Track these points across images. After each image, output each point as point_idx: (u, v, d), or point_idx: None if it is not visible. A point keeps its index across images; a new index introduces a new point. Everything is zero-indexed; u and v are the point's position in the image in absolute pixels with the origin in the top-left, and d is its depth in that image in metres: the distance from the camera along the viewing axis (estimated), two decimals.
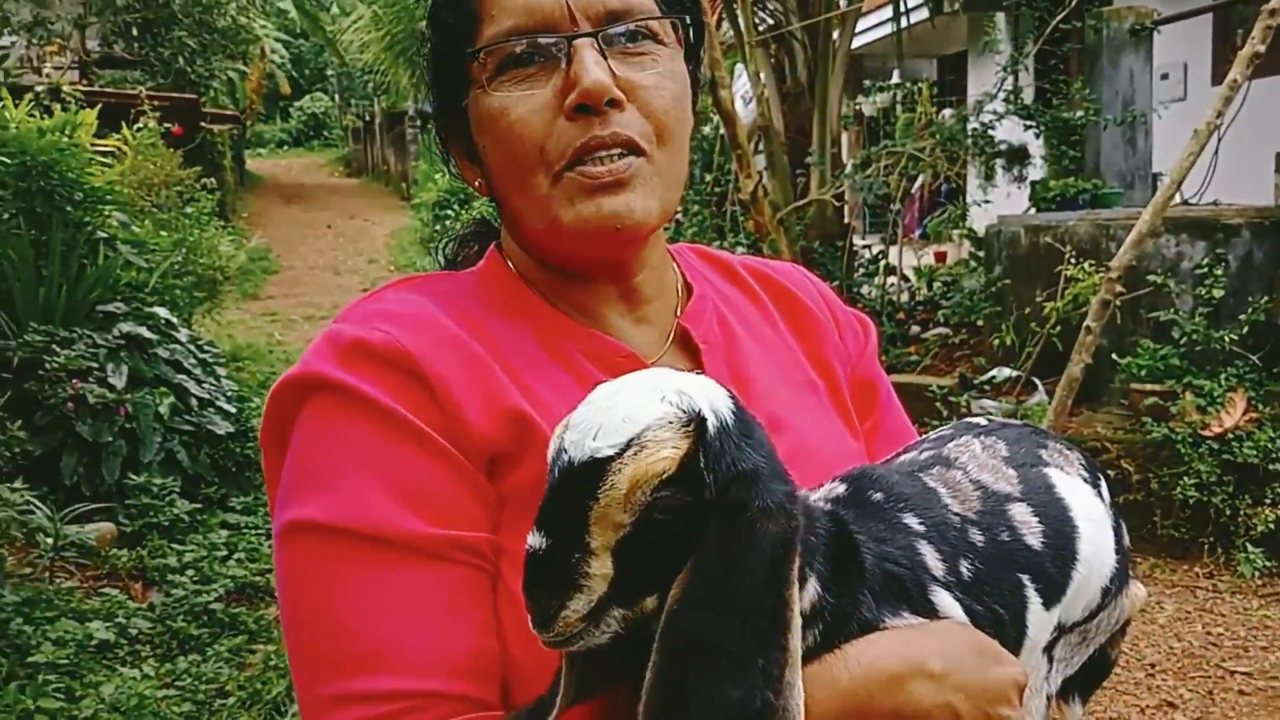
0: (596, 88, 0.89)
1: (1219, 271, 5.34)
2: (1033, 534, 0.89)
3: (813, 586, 0.78)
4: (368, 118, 27.66)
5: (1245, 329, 5.16)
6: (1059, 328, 5.64)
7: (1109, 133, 7.07)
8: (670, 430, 0.69)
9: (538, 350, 0.94)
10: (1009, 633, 0.85)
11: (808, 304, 1.15)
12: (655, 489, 0.68)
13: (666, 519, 0.69)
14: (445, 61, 0.97)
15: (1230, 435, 4.93)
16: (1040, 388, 5.86)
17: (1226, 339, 5.16)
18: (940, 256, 10.09)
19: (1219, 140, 7.08)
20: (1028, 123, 7.53)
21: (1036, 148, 7.90)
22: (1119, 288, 4.02)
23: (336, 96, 33.88)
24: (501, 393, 0.88)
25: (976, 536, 0.87)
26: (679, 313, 1.05)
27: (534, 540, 0.70)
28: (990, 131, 7.56)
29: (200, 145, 14.15)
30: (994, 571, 0.86)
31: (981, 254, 7.39)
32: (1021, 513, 0.90)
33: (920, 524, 0.85)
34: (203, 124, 15.15)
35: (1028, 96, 8.27)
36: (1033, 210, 7.12)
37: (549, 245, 0.97)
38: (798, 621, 0.71)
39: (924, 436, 1.04)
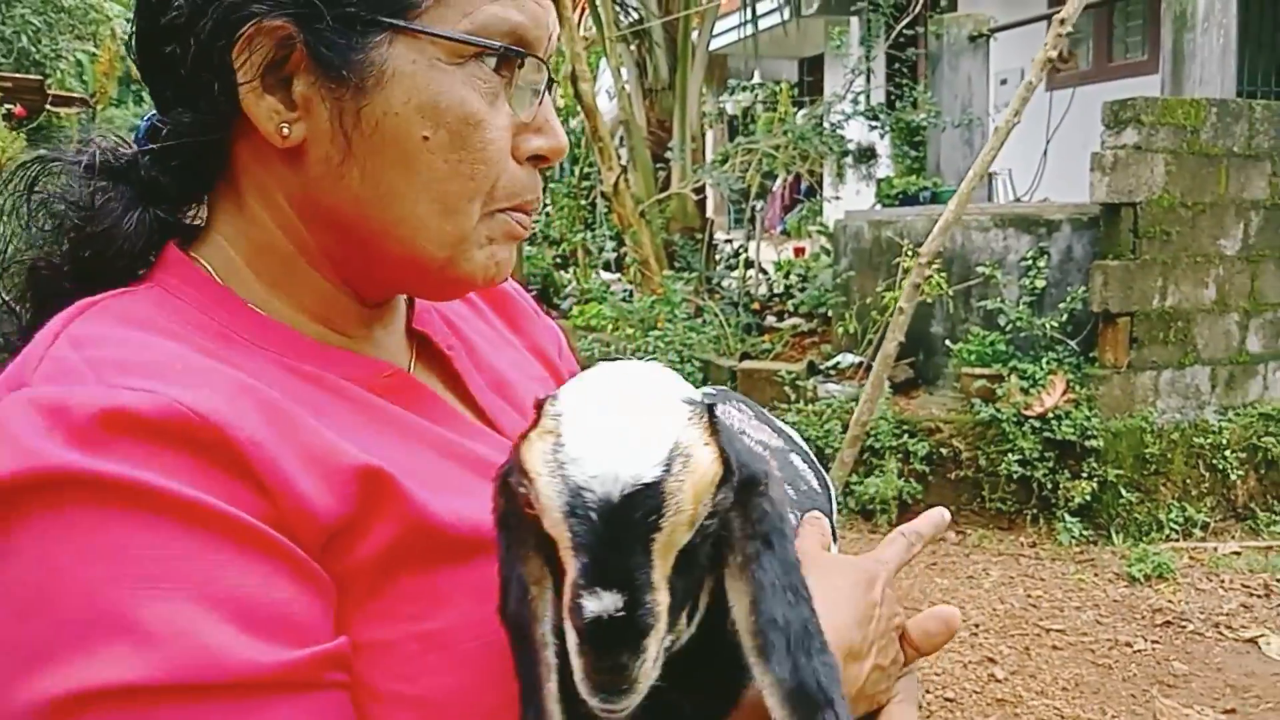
0: (563, 148, 0.80)
1: (1041, 264, 5.75)
2: (812, 480, 0.96)
3: None
4: None
5: (1065, 316, 5.57)
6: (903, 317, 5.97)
7: (948, 134, 7.50)
8: (697, 429, 0.61)
9: (308, 387, 0.73)
10: None
11: (508, 291, 1.05)
12: (713, 495, 0.61)
13: (712, 524, 0.62)
14: None
15: (1050, 415, 5.33)
16: None
17: (1048, 326, 5.56)
18: (799, 251, 10.47)
19: (1047, 143, 7.61)
20: (873, 123, 7.91)
21: (884, 147, 8.31)
22: (929, 271, 4.33)
23: None
24: (329, 449, 0.68)
25: (790, 491, 0.87)
26: (408, 319, 0.90)
27: (602, 603, 0.57)
28: (839, 131, 7.91)
29: (46, 128, 13.51)
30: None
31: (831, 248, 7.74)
32: (798, 462, 0.96)
33: None
34: (48, 106, 14.45)
35: (879, 98, 8.69)
36: (878, 206, 7.50)
37: (411, 271, 0.78)
38: None
39: None
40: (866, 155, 8.15)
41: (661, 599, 0.58)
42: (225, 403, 0.64)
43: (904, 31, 7.66)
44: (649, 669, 0.58)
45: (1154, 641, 4.36)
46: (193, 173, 0.79)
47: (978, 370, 5.60)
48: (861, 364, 6.24)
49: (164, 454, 0.61)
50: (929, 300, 5.71)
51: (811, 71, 14.37)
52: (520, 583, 0.65)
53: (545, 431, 0.61)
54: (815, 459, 1.01)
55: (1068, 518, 5.34)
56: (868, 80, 8.08)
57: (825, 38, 11.46)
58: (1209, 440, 5.58)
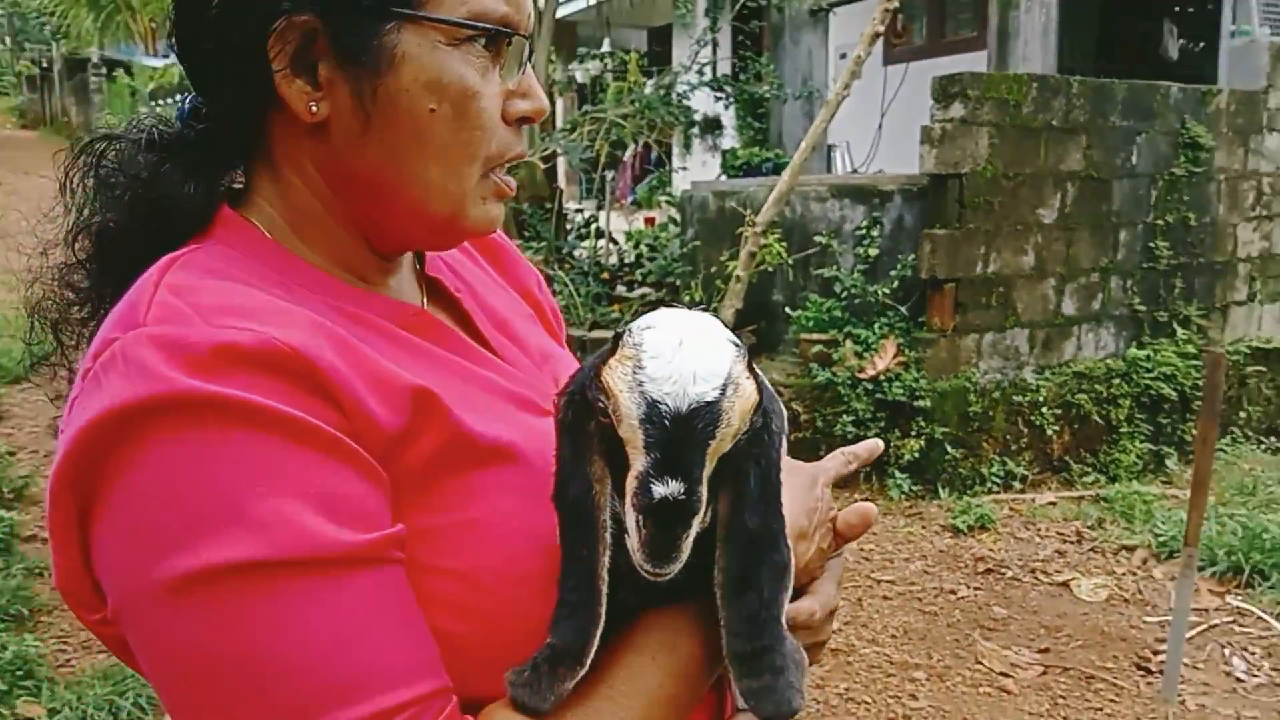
0: (545, 109, 0.92)
1: (875, 233, 5.98)
2: None
3: None
4: (45, 64, 25.21)
5: (896, 283, 5.81)
6: (740, 284, 6.12)
7: (789, 106, 7.70)
8: (741, 364, 0.76)
9: (355, 325, 0.87)
10: None
11: (497, 239, 1.19)
12: (751, 417, 0.76)
13: (744, 439, 0.77)
14: None
15: (882, 377, 5.57)
16: None
17: (880, 292, 5.80)
18: (650, 221, 10.57)
19: (882, 116, 7.87)
20: (719, 95, 8.02)
21: (729, 119, 8.44)
22: (765, 240, 4.46)
23: (8, 40, 30.54)
24: (387, 373, 0.83)
25: None
26: (418, 266, 1.04)
27: (668, 488, 0.72)
28: (685, 102, 8.00)
29: None
30: None
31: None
32: None
33: None
34: None
35: (725, 70, 8.82)
36: (723, 177, 7.63)
37: (420, 225, 0.91)
38: None
39: None
40: (712, 126, 8.27)
41: (705, 491, 0.73)
42: (309, 338, 0.78)
43: (748, 4, 7.78)
44: (689, 544, 0.74)
45: (976, 588, 4.64)
46: (232, 145, 0.92)
47: (815, 335, 5.79)
48: None
49: (265, 380, 0.75)
50: (770, 269, 5.87)
51: (661, 41, 14.43)
52: (585, 478, 0.80)
53: (626, 358, 0.76)
54: None
55: (898, 474, 5.61)
56: (714, 51, 8.19)
57: (673, 7, 11.55)
58: (1027, 398, 5.93)
